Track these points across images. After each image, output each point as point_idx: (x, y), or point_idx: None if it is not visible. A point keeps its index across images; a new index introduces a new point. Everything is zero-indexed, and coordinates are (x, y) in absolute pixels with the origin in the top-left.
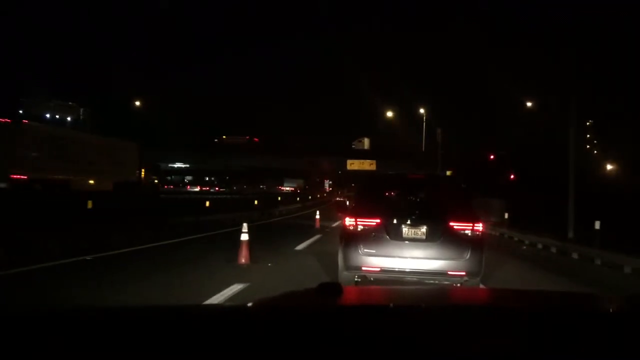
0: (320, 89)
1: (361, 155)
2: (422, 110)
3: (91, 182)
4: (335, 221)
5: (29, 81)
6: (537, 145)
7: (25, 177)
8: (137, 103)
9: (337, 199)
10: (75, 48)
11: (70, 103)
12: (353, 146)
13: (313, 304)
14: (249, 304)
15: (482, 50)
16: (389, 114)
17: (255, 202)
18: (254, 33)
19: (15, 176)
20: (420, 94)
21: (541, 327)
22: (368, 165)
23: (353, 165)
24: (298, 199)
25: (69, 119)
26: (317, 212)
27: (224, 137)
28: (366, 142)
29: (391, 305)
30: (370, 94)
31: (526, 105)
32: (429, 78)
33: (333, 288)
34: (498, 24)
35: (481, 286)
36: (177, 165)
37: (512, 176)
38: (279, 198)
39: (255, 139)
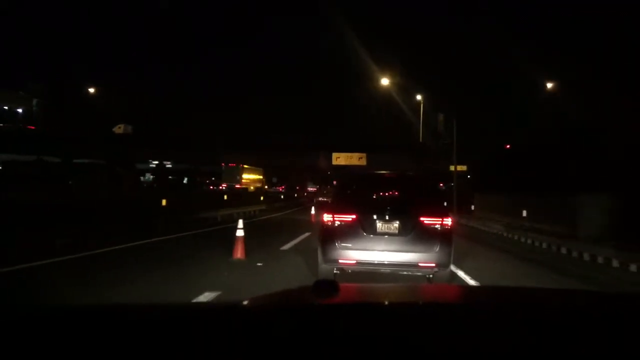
0: (309, 82)
1: (349, 148)
2: (419, 97)
3: (251, 188)
4: (299, 235)
5: None
6: (555, 137)
7: (239, 186)
8: (91, 90)
9: (320, 199)
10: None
11: (20, 92)
12: (113, 130)
13: (311, 302)
14: (245, 302)
15: (491, 38)
16: (384, 81)
17: (163, 202)
18: (241, 30)
19: (237, 186)
20: (421, 83)
21: (543, 325)
22: (357, 159)
23: (339, 159)
24: (262, 198)
25: (19, 110)
26: (240, 224)
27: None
28: (125, 127)
29: (386, 302)
30: (362, 76)
31: (541, 95)
32: (431, 66)
33: (330, 285)
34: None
35: (474, 283)
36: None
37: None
38: (225, 197)
39: (31, 127)
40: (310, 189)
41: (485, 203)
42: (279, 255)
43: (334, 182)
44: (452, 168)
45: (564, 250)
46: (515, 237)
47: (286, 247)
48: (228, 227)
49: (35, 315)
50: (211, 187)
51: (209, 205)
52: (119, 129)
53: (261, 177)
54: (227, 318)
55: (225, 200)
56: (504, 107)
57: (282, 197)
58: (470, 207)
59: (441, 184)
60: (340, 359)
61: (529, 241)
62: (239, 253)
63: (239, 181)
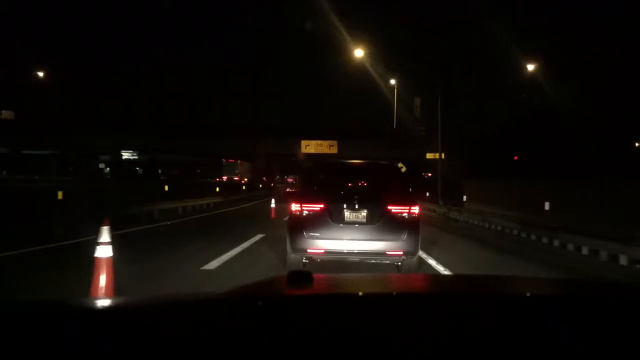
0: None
1: (320, 135)
2: (393, 82)
3: (245, 179)
4: (244, 240)
5: None
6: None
7: (237, 178)
8: (41, 74)
9: (288, 189)
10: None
11: None
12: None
13: (286, 293)
14: (217, 294)
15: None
16: (358, 53)
17: (59, 194)
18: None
19: (235, 178)
20: (398, 64)
21: (518, 312)
22: (327, 147)
23: (309, 147)
24: (218, 189)
25: None
26: (104, 235)
27: None
28: (6, 113)
29: (361, 293)
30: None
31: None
32: (406, 46)
33: (304, 276)
34: None
35: (446, 272)
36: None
37: (515, 157)
38: (166, 188)
39: None
40: (289, 179)
41: (481, 192)
42: (192, 285)
43: (299, 173)
44: (429, 156)
45: None
46: (532, 238)
47: (213, 264)
48: (152, 229)
49: None
50: (217, 179)
51: (148, 198)
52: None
53: (250, 169)
54: (199, 310)
55: (166, 191)
56: (489, 88)
57: (243, 187)
58: (462, 198)
59: (429, 174)
60: (317, 351)
61: (570, 246)
62: (100, 288)
63: (237, 174)
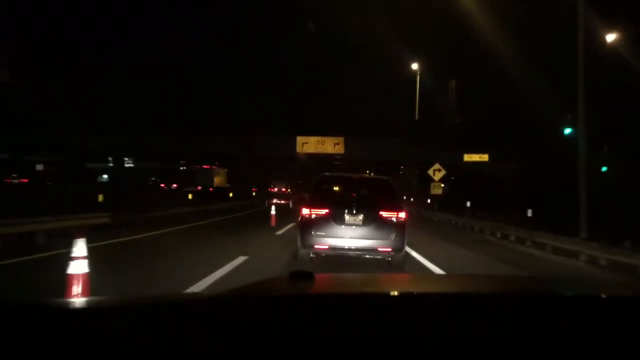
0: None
1: (321, 130)
2: (414, 66)
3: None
4: None
5: None
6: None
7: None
8: None
9: (275, 200)
10: None
11: None
12: None
13: (288, 292)
14: (222, 293)
15: None
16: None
17: None
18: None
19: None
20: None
21: (518, 313)
22: (331, 146)
23: (307, 145)
24: (100, 198)
25: None
26: None
27: None
28: None
29: (380, 292)
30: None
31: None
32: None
33: (305, 275)
34: None
35: (441, 272)
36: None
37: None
38: None
39: None
40: (272, 189)
41: None
42: None
43: (299, 181)
44: (467, 157)
45: None
46: None
47: None
48: None
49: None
50: (270, 189)
51: None
52: None
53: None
54: (200, 310)
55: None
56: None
57: (190, 196)
58: None
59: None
60: (318, 350)
61: None
62: None
63: (214, 183)
